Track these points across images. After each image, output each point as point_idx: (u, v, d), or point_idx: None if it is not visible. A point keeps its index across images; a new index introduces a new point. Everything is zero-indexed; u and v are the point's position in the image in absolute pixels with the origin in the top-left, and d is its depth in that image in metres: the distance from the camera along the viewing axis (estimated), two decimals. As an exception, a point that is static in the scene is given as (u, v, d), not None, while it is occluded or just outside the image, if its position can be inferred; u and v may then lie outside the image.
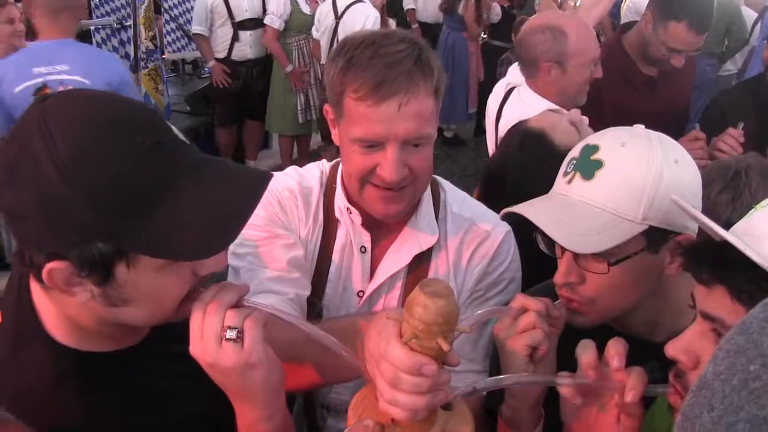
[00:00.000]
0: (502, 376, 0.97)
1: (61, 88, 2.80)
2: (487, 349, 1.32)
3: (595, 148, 1.04)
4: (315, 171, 1.37)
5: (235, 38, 5.35)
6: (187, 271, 0.84)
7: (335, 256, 1.32)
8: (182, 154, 0.81)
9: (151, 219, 0.76)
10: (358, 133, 1.15)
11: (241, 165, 0.89)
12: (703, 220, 0.86)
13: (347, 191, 1.30)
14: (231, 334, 0.83)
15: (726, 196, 1.38)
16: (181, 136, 0.85)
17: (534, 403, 1.05)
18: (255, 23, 5.36)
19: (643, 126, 1.09)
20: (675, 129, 2.35)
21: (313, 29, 5.26)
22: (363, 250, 1.32)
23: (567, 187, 1.05)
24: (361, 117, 1.13)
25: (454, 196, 1.38)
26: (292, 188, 1.32)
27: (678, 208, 0.99)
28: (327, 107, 1.26)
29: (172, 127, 0.85)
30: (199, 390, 0.91)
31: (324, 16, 5.18)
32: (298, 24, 5.24)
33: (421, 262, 1.31)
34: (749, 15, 5.56)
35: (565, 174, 1.07)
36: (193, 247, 0.77)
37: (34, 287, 0.89)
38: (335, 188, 1.32)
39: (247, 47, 5.38)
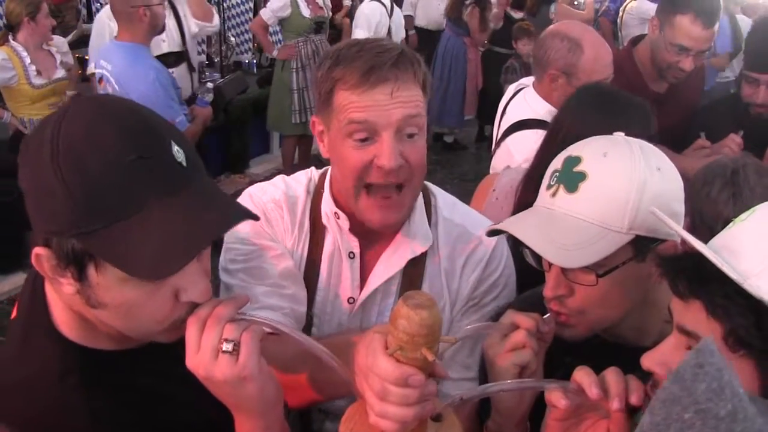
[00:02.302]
0: (488, 384, 0.96)
1: (106, 84, 3.35)
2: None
3: (577, 160, 1.04)
4: (302, 179, 1.36)
5: None
6: (165, 293, 0.85)
7: (324, 264, 1.31)
8: (165, 174, 0.82)
9: (114, 228, 0.79)
10: (350, 115, 1.13)
11: (223, 195, 0.91)
12: (681, 233, 0.86)
13: (336, 197, 1.28)
14: (227, 346, 0.85)
15: (726, 193, 1.44)
16: (180, 156, 0.84)
17: (520, 420, 1.05)
18: (177, 58, 4.21)
19: (623, 133, 1.09)
20: (681, 143, 2.31)
21: (361, 33, 5.43)
22: (351, 255, 1.29)
23: (551, 200, 1.05)
24: (354, 106, 1.13)
25: (444, 200, 1.37)
26: (277, 199, 1.31)
27: (666, 214, 0.99)
28: (314, 119, 1.25)
29: (175, 146, 0.84)
30: (200, 395, 0.92)
31: (380, 15, 5.63)
32: (298, 27, 5.24)
33: (415, 267, 1.30)
34: (746, 23, 5.58)
35: (549, 187, 1.07)
36: (143, 265, 0.78)
37: (47, 284, 0.92)
38: (323, 193, 1.31)
39: None
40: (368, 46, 1.16)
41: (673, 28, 2.33)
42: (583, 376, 0.87)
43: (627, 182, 1.00)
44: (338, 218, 1.28)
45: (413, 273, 1.30)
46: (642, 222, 1.00)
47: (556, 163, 1.08)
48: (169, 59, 4.13)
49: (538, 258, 1.08)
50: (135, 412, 0.93)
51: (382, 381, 0.79)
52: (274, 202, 1.31)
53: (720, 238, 0.85)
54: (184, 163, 0.85)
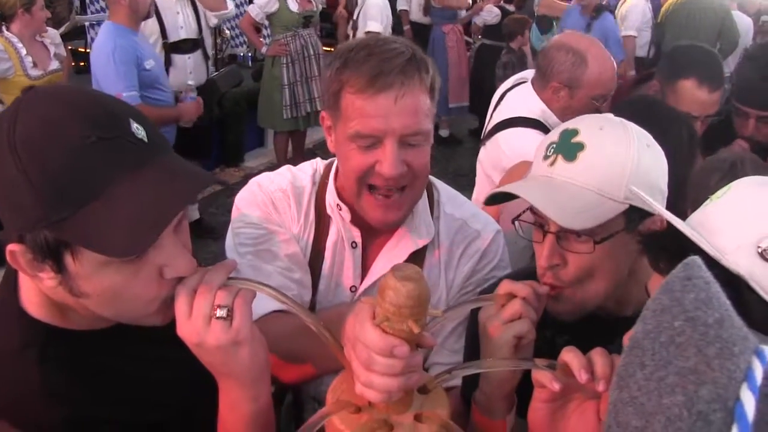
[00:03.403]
0: (478, 361, 0.97)
1: None
2: None
3: (574, 132, 1.07)
4: (308, 169, 1.39)
5: (168, 63, 4.27)
6: (149, 272, 0.85)
7: (327, 253, 1.34)
8: (127, 152, 0.81)
9: (84, 212, 0.78)
10: (356, 127, 1.16)
11: (189, 166, 0.89)
12: (661, 212, 0.88)
13: (339, 189, 1.32)
14: (221, 312, 0.85)
15: (724, 184, 1.46)
16: (141, 133, 0.84)
17: (509, 392, 1.06)
18: (193, 44, 4.43)
19: (611, 115, 1.13)
20: None
21: (375, 25, 5.61)
22: (354, 245, 1.33)
23: (550, 169, 1.07)
24: (359, 112, 1.15)
25: (447, 195, 1.41)
26: (284, 188, 1.34)
27: (653, 190, 1.03)
28: (323, 114, 1.28)
29: (134, 123, 0.84)
30: (174, 376, 0.93)
31: (387, 8, 5.78)
32: (286, 22, 5.23)
33: (416, 259, 1.32)
34: (743, 19, 5.60)
35: (546, 157, 1.09)
36: (114, 244, 0.78)
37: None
38: (327, 184, 1.34)
39: (186, 73, 4.33)
40: (377, 49, 1.16)
41: (676, 95, 2.19)
42: (572, 358, 0.87)
43: (623, 153, 1.03)
44: (340, 210, 1.31)
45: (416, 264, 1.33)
46: (636, 193, 1.02)
47: (552, 136, 1.11)
48: (186, 45, 4.39)
49: (529, 231, 1.10)
50: (96, 390, 0.93)
51: (369, 350, 0.80)
52: (281, 191, 1.34)
53: (698, 216, 0.87)
54: (146, 140, 0.84)
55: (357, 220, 1.31)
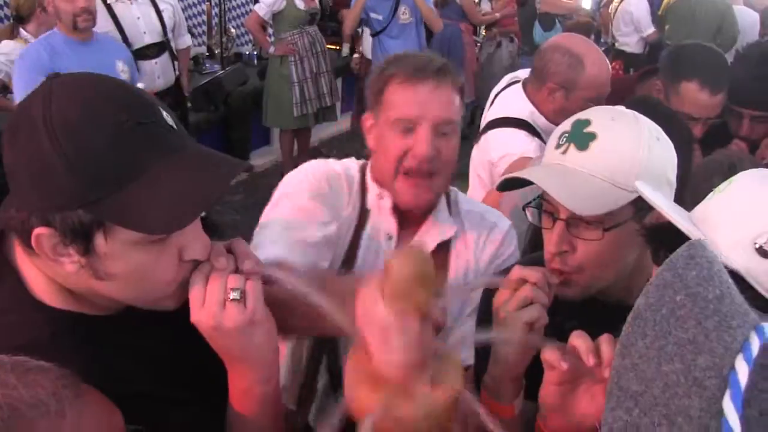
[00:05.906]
0: (490, 334, 1.01)
1: None
2: None
3: (587, 122, 1.10)
4: (353, 165, 1.53)
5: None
6: (171, 253, 0.87)
7: (363, 243, 1.46)
8: (163, 136, 0.85)
9: (123, 192, 0.81)
10: (397, 114, 1.35)
11: (220, 154, 0.93)
12: (659, 207, 0.90)
13: (378, 181, 1.46)
14: (235, 294, 0.87)
15: None
16: (170, 120, 0.88)
17: (517, 375, 1.09)
18: (159, 49, 4.26)
19: (623, 107, 1.16)
20: None
21: None
22: (389, 237, 1.45)
23: (562, 157, 1.10)
24: (401, 99, 1.36)
25: (462, 196, 1.57)
26: (338, 171, 1.48)
27: (661, 181, 1.05)
28: (366, 116, 1.47)
29: (164, 112, 0.88)
30: (193, 352, 0.93)
31: None
32: (293, 19, 5.22)
33: (442, 251, 1.45)
34: (749, 14, 5.57)
35: (558, 146, 1.12)
36: (156, 221, 0.81)
37: (20, 257, 0.91)
38: (367, 179, 1.49)
39: (155, 78, 4.20)
40: (417, 55, 1.44)
41: (678, 96, 2.20)
42: (581, 343, 0.90)
43: (634, 143, 1.06)
44: (381, 198, 1.45)
45: (441, 257, 1.45)
46: (637, 187, 1.04)
47: (565, 125, 1.14)
48: (152, 50, 4.22)
49: (539, 217, 1.14)
50: (130, 367, 0.94)
51: (381, 328, 0.82)
52: (335, 172, 1.48)
53: (700, 210, 0.89)
54: (175, 127, 0.88)
55: (395, 209, 1.43)
